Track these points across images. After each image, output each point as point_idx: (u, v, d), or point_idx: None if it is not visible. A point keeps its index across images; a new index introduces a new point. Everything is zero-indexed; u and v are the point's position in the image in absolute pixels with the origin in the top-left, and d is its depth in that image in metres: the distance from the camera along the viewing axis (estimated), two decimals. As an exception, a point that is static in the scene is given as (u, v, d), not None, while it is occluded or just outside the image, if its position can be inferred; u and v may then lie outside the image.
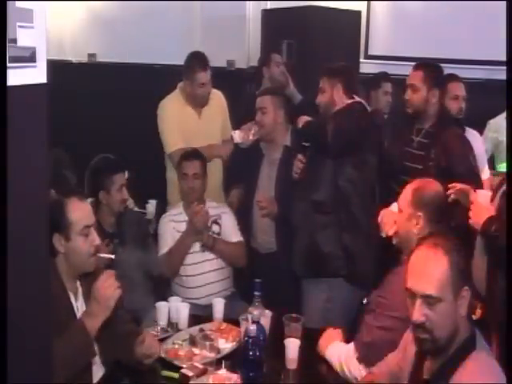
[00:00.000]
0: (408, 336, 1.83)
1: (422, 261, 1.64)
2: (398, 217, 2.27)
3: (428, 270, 1.61)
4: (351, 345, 2.20)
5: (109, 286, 1.99)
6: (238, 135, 3.31)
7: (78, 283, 2.16)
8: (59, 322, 1.97)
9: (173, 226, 3.19)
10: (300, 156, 3.00)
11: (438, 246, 1.63)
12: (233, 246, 3.22)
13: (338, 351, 2.24)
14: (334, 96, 2.98)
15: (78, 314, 2.11)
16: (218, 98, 3.75)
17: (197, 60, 3.55)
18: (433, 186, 2.25)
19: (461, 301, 1.61)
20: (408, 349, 1.81)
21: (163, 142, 3.61)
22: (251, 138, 3.29)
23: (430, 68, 3.05)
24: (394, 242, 2.31)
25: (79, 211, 2.11)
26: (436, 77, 3.03)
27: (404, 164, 3.05)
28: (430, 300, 1.60)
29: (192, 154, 3.25)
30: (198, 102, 3.63)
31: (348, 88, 3.00)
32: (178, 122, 3.59)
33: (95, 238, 2.13)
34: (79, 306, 2.14)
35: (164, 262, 3.12)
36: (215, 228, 3.22)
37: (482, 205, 2.39)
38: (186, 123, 3.60)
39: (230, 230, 3.25)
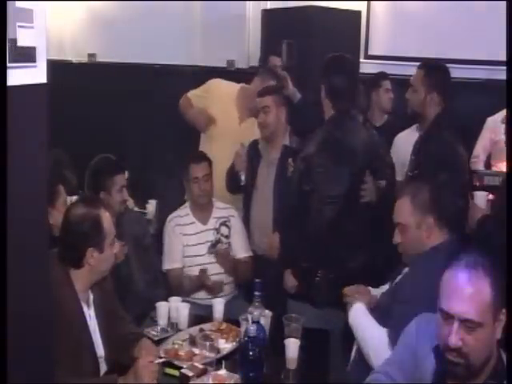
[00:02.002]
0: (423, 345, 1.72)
1: (462, 282, 1.51)
2: (402, 230, 2.19)
3: (469, 292, 1.49)
4: (384, 333, 2.08)
5: (148, 369, 1.99)
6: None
7: (89, 291, 2.17)
8: (73, 333, 2.00)
9: (179, 230, 3.17)
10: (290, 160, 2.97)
11: (479, 266, 1.51)
12: (243, 265, 3.22)
13: (371, 330, 2.14)
14: (322, 100, 2.82)
15: (90, 322, 2.13)
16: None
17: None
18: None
19: (498, 324, 1.51)
20: (425, 364, 1.69)
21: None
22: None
23: (433, 69, 2.85)
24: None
25: (109, 222, 2.13)
26: (437, 79, 2.81)
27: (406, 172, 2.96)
28: (469, 324, 1.49)
29: (200, 157, 3.24)
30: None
31: (331, 91, 2.77)
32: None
33: (117, 246, 2.17)
34: (91, 313, 2.15)
35: (173, 282, 3.09)
36: (224, 230, 3.21)
37: (478, 206, 2.39)
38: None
39: (239, 239, 3.25)
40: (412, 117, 3.00)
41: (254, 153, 3.34)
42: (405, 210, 2.16)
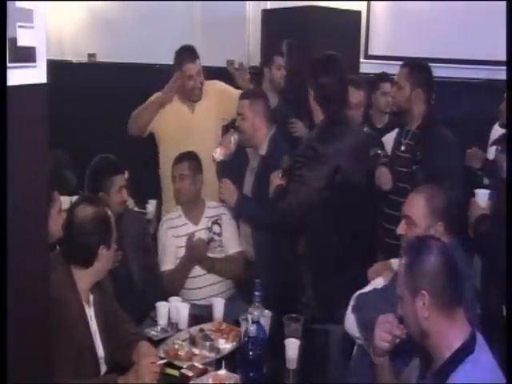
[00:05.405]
0: None
1: None
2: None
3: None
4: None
5: (150, 369, 2.02)
6: (218, 153, 3.12)
7: (89, 292, 2.17)
8: (75, 334, 2.01)
9: (171, 233, 3.16)
10: (276, 172, 2.84)
11: (414, 248, 1.76)
12: (231, 261, 3.19)
13: None
14: (311, 104, 2.71)
15: (91, 322, 2.13)
16: (213, 89, 3.63)
17: (185, 52, 3.55)
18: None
19: (418, 303, 1.64)
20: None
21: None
22: (233, 148, 3.13)
23: (416, 67, 2.98)
24: None
25: (112, 218, 2.17)
26: (421, 76, 2.95)
27: (394, 168, 2.98)
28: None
29: (183, 156, 3.22)
30: (189, 96, 3.57)
31: (319, 95, 2.67)
32: (170, 119, 3.56)
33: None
34: (92, 314, 2.15)
35: (166, 282, 3.08)
36: (216, 228, 3.21)
37: (478, 204, 2.39)
38: (179, 120, 3.56)
39: (230, 235, 3.23)
40: (397, 114, 3.09)
41: (243, 157, 3.27)
42: (419, 208, 2.17)
